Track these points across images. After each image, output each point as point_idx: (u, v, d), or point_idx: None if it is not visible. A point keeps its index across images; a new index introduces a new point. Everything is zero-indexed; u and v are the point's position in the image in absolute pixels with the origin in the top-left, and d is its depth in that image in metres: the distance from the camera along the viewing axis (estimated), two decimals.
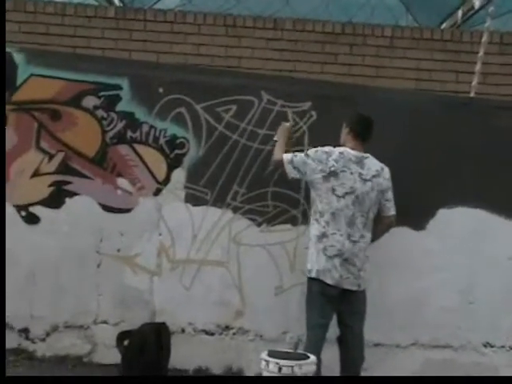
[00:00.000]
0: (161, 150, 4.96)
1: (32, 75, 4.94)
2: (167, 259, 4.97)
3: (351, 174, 4.34)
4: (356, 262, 4.33)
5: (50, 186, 4.96)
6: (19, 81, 4.93)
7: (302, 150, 4.57)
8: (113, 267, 4.96)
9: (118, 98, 4.95)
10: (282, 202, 4.95)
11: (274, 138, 4.77)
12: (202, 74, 5.10)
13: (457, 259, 4.97)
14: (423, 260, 4.96)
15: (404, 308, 4.93)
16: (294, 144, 4.81)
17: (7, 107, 4.87)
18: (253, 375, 4.64)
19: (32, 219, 4.95)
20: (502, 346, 5.05)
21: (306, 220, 4.75)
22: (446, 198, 4.98)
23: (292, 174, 4.47)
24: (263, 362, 3.70)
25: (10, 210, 4.88)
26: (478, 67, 5.63)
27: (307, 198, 4.73)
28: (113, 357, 4.65)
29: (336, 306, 4.37)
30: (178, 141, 4.96)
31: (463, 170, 4.99)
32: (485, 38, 5.67)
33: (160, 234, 4.97)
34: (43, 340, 4.96)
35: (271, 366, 3.66)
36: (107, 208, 4.96)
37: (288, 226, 4.96)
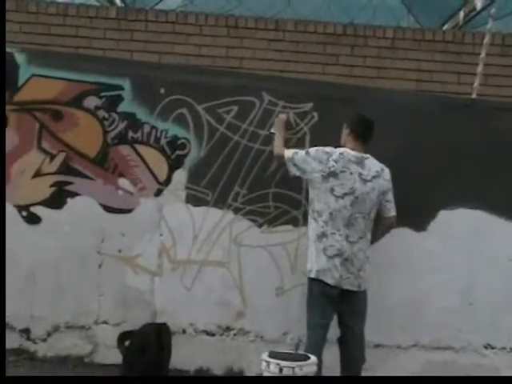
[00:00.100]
0: (162, 151, 4.96)
1: (33, 75, 4.94)
2: (168, 260, 4.97)
3: (351, 174, 4.34)
4: (355, 262, 4.33)
5: (52, 186, 4.96)
6: (21, 81, 4.94)
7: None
8: (114, 267, 4.96)
9: (119, 99, 4.95)
10: (283, 202, 4.95)
11: (271, 131, 4.80)
12: (204, 75, 5.10)
13: (457, 260, 4.97)
14: (424, 261, 4.96)
15: (405, 309, 4.93)
16: (295, 145, 4.81)
17: (9, 107, 4.88)
18: (253, 376, 4.64)
19: (33, 219, 4.95)
20: (503, 348, 5.05)
21: (307, 221, 4.72)
22: (446, 199, 4.98)
23: (292, 171, 4.49)
24: (264, 363, 3.70)
25: (11, 211, 4.88)
26: (479, 69, 5.62)
27: (308, 199, 4.73)
28: (114, 357, 4.65)
29: (336, 306, 4.37)
30: (179, 141, 4.97)
31: (464, 170, 4.99)
32: (486, 40, 5.66)
33: (161, 235, 4.98)
34: (44, 340, 4.97)
35: (272, 367, 3.66)
36: (108, 208, 4.97)
37: (289, 226, 4.96)
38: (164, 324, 4.76)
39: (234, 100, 4.97)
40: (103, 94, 4.95)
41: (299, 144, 4.84)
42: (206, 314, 4.95)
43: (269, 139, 4.83)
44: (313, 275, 4.34)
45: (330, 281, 4.28)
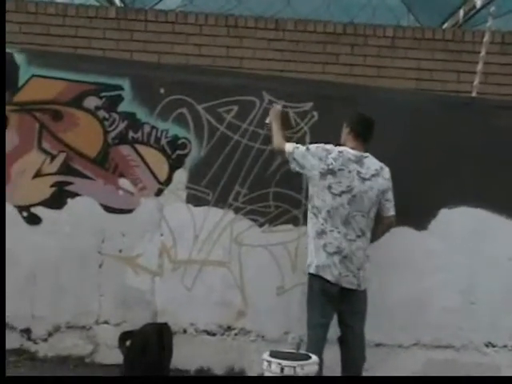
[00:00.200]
0: (162, 151, 4.96)
1: (33, 76, 4.94)
2: (169, 260, 4.97)
3: (349, 172, 4.34)
4: (354, 260, 4.33)
5: (52, 186, 4.96)
6: (21, 82, 4.93)
7: None
8: (114, 268, 4.96)
9: (119, 99, 4.95)
10: (283, 202, 4.95)
11: (266, 121, 4.80)
12: (204, 75, 5.10)
13: (458, 259, 4.97)
14: (424, 260, 4.96)
15: (405, 308, 4.93)
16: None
17: (9, 108, 4.88)
18: (255, 376, 4.64)
19: (34, 220, 4.95)
20: (504, 346, 5.05)
21: (307, 220, 4.74)
22: (446, 198, 4.98)
23: (292, 165, 4.49)
24: (265, 363, 3.70)
25: (11, 211, 4.88)
26: (479, 67, 5.62)
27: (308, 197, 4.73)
28: (115, 357, 4.65)
29: (336, 305, 4.37)
30: (179, 141, 4.97)
31: (464, 169, 4.99)
32: (486, 38, 5.65)
33: (162, 235, 4.98)
34: (45, 340, 4.97)
35: (273, 367, 3.65)
36: (109, 208, 4.96)
37: (290, 226, 4.96)
38: (165, 324, 4.77)
39: (234, 100, 4.97)
40: (103, 94, 4.95)
41: (299, 143, 4.83)
42: (206, 314, 4.95)
43: (269, 139, 4.82)
44: (312, 270, 4.33)
45: (329, 277, 4.28)
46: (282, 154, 4.57)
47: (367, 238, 4.42)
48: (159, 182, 4.97)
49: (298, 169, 4.48)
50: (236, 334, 4.98)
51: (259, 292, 4.93)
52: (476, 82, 5.62)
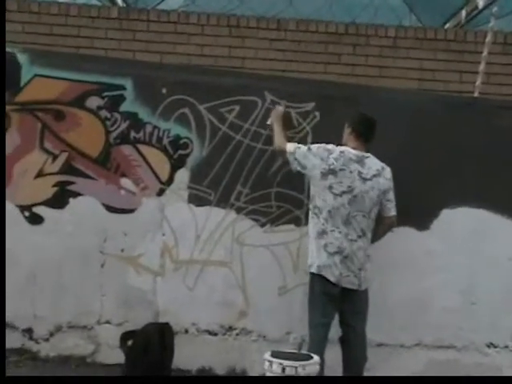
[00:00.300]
0: (164, 151, 4.96)
1: (36, 76, 4.94)
2: (170, 259, 4.97)
3: (350, 172, 4.34)
4: (355, 260, 4.33)
5: (54, 186, 4.96)
6: (23, 81, 4.94)
7: None
8: (116, 267, 4.97)
9: (121, 99, 4.95)
10: (285, 202, 4.95)
11: (268, 122, 4.80)
12: (206, 75, 5.10)
13: (459, 259, 4.97)
14: (426, 260, 4.96)
15: (406, 308, 4.93)
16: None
17: (11, 108, 4.88)
18: (256, 376, 4.64)
19: (36, 219, 4.95)
20: (506, 346, 5.05)
21: (308, 220, 4.75)
22: (448, 198, 4.98)
23: (293, 165, 4.49)
24: (266, 363, 3.70)
25: (13, 211, 4.89)
26: (481, 67, 5.62)
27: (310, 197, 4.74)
28: (116, 357, 4.65)
29: (338, 305, 4.37)
30: (181, 141, 4.97)
31: (466, 169, 4.99)
32: (488, 38, 5.66)
33: (163, 235, 4.98)
34: (47, 340, 4.97)
35: (275, 367, 3.65)
36: (111, 208, 4.97)
37: (291, 226, 4.96)
38: (167, 324, 4.77)
39: (236, 100, 4.97)
40: (105, 93, 4.95)
41: (301, 144, 4.83)
42: (208, 314, 4.95)
43: (271, 139, 4.82)
44: (314, 270, 4.34)
45: (330, 277, 4.28)
46: (284, 155, 4.57)
47: (368, 238, 4.42)
48: (161, 182, 4.97)
49: (299, 169, 4.48)
50: (237, 334, 4.98)
51: (261, 292, 4.93)
52: (478, 83, 5.62)
